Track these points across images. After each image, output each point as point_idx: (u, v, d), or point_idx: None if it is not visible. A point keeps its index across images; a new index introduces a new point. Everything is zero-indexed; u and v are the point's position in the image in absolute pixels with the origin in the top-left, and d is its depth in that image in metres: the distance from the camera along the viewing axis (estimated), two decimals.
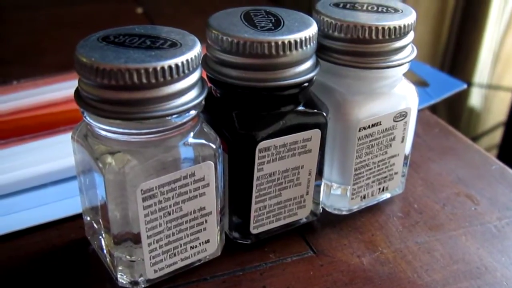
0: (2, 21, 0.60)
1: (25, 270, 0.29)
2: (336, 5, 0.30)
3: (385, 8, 0.29)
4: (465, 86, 0.47)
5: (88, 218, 0.30)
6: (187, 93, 0.24)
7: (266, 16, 0.28)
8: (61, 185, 0.34)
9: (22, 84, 0.44)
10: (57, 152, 0.35)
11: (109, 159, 0.25)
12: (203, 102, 0.26)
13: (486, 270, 0.29)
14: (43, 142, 0.37)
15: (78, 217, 0.31)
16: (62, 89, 0.42)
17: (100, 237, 0.29)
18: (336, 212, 0.32)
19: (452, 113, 0.96)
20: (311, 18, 0.28)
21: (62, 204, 0.33)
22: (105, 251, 0.28)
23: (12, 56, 0.53)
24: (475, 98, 0.96)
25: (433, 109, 0.45)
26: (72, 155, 0.28)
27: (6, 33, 0.58)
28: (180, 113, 0.24)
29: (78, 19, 0.63)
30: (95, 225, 0.29)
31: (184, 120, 0.25)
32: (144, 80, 0.23)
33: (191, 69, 0.24)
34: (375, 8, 0.29)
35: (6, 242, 0.30)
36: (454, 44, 0.93)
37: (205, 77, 0.27)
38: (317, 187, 0.31)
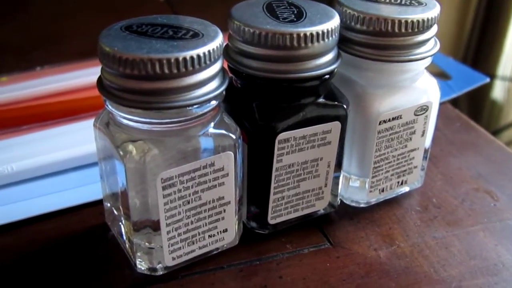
0: (24, 7, 0.61)
1: (45, 254, 0.29)
2: None
3: (409, 1, 0.29)
4: (487, 80, 0.47)
5: (109, 205, 0.30)
6: (208, 84, 0.24)
7: (288, 7, 0.28)
8: (82, 171, 0.34)
9: (45, 70, 0.45)
10: (79, 138, 0.35)
11: (130, 147, 0.25)
12: (224, 93, 0.26)
13: (503, 267, 0.29)
14: (65, 128, 0.38)
15: (98, 203, 0.32)
16: (85, 76, 0.42)
17: (120, 223, 0.29)
18: (354, 204, 0.32)
19: (474, 105, 0.95)
20: (333, 10, 0.28)
21: (83, 190, 0.33)
22: (124, 238, 0.29)
23: (34, 41, 0.53)
24: (498, 91, 0.95)
25: (455, 101, 0.44)
26: (93, 141, 0.28)
27: (28, 19, 0.58)
28: (201, 104, 0.24)
29: (100, 5, 0.63)
30: (115, 211, 0.29)
31: (205, 111, 0.25)
32: (166, 71, 0.23)
33: (212, 59, 0.24)
34: (398, 1, 0.29)
35: (28, 226, 0.31)
36: (478, 36, 0.92)
37: (226, 67, 0.27)
38: (336, 179, 0.31)
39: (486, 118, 0.97)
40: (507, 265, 0.29)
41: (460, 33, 0.93)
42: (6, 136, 0.36)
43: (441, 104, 0.32)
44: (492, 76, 0.92)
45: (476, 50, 0.93)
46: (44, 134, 0.37)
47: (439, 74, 0.47)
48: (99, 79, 0.25)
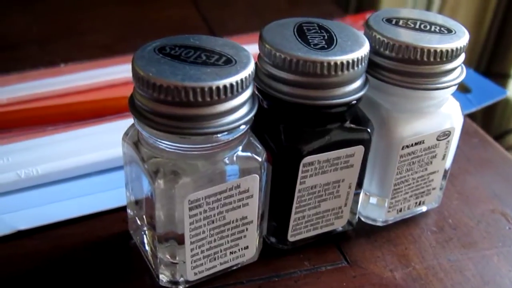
0: None
1: (67, 260, 0.30)
2: (389, 21, 0.30)
3: (438, 28, 0.29)
4: (506, 93, 0.47)
5: (132, 213, 0.31)
6: (239, 110, 0.25)
7: (319, 31, 0.28)
8: (107, 175, 0.35)
9: (69, 66, 0.45)
10: (105, 140, 0.35)
11: (159, 169, 0.25)
12: (253, 117, 0.26)
13: None
14: (91, 130, 0.38)
15: (122, 209, 0.32)
16: (112, 74, 0.43)
17: (143, 233, 0.30)
18: (371, 222, 0.33)
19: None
20: (363, 36, 0.28)
21: (108, 195, 0.33)
22: (146, 247, 0.30)
23: (56, 34, 0.52)
24: None
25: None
26: (118, 145, 0.29)
27: (49, 11, 0.58)
28: (231, 130, 0.25)
29: None
30: (138, 221, 0.30)
31: (235, 137, 0.25)
32: (199, 98, 0.23)
33: (244, 87, 0.24)
34: (428, 27, 0.29)
35: (52, 231, 0.32)
36: (496, 34, 0.91)
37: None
38: (355, 196, 0.31)
39: (499, 116, 0.96)
40: None
41: (478, 30, 0.92)
42: (32, 136, 0.37)
43: None
44: (507, 75, 0.91)
45: (494, 48, 0.92)
46: (70, 135, 0.37)
47: (459, 86, 0.47)
48: (131, 99, 0.26)
